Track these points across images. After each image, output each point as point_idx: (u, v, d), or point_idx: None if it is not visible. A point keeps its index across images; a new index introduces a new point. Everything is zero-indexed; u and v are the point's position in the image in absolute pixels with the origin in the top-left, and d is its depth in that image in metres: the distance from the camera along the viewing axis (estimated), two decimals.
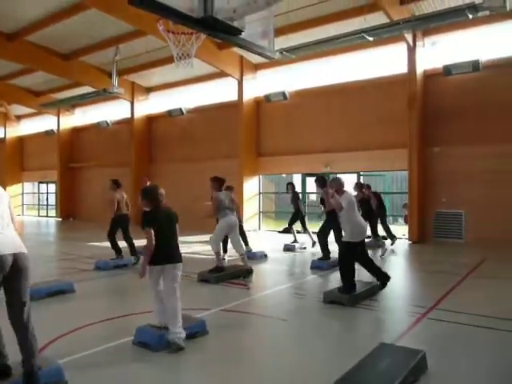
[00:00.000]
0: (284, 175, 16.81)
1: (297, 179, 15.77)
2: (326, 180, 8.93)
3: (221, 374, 3.73)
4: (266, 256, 9.78)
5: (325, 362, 4.02)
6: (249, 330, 5.03)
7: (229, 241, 10.01)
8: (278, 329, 5.01)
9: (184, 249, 10.47)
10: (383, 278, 6.38)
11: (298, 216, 11.15)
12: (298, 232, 11.41)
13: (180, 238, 4.50)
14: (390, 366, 3.43)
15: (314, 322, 5.27)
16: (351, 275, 6.06)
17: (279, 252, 10.53)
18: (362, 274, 6.44)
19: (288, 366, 3.91)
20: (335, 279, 6.50)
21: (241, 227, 10.31)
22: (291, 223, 11.24)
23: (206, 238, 10.54)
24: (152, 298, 4.45)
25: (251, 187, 15.96)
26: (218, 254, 7.52)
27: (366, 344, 4.05)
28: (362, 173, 14.09)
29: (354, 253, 6.17)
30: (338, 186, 6.33)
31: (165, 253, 4.35)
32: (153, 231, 4.28)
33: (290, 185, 11.42)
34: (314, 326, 5.15)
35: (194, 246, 11.19)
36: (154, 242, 4.25)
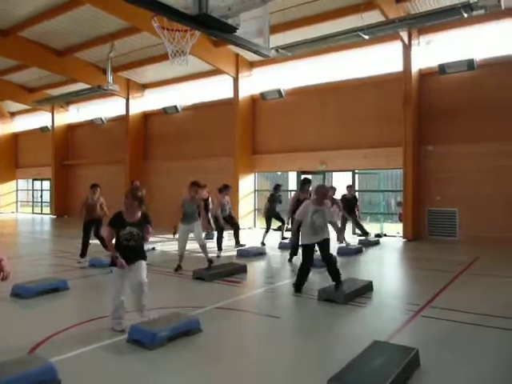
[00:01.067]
0: (279, 173, 16.81)
1: (292, 177, 15.79)
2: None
3: (215, 372, 3.74)
4: (260, 253, 9.78)
5: (319, 359, 4.04)
6: (243, 328, 5.04)
7: (224, 239, 10.10)
8: (272, 326, 5.01)
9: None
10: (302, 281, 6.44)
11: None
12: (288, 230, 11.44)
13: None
14: (384, 363, 3.46)
15: (308, 320, 5.28)
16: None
17: (274, 249, 10.53)
18: (356, 273, 6.45)
19: (282, 364, 3.92)
20: (329, 277, 6.50)
21: (236, 224, 10.37)
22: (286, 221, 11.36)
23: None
24: (145, 291, 4.65)
25: (247, 185, 15.95)
26: (205, 246, 8.08)
27: (360, 342, 4.07)
28: (356, 171, 14.12)
29: None
30: (323, 195, 6.31)
31: None
32: None
33: (279, 186, 11.49)
34: (308, 323, 5.16)
35: (188, 245, 11.10)
36: None
